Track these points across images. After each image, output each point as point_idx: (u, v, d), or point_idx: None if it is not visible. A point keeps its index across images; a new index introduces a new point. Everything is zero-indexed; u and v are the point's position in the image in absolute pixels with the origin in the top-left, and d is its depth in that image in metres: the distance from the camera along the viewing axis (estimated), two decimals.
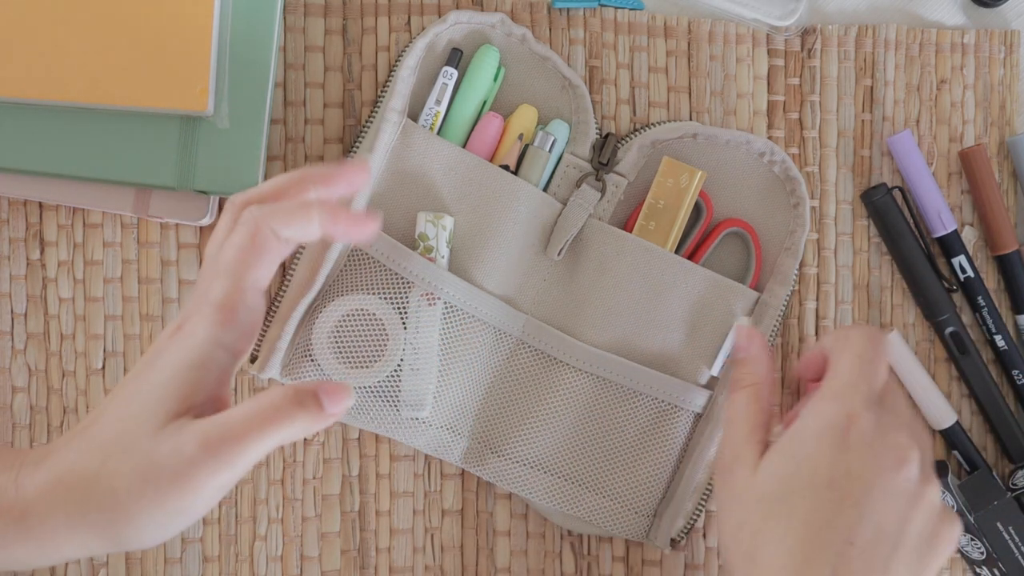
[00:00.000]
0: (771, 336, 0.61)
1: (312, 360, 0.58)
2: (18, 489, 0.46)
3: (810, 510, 0.49)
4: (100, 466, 0.45)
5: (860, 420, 0.50)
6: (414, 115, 0.60)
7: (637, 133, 0.61)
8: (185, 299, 0.61)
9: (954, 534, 0.51)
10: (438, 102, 0.59)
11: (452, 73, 0.59)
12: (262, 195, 0.50)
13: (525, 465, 0.60)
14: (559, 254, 0.60)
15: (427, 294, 0.58)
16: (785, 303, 0.61)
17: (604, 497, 0.60)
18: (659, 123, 0.62)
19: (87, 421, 0.47)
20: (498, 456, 0.60)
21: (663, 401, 0.60)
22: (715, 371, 0.61)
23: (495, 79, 0.60)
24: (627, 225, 0.61)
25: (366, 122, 0.60)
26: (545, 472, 0.60)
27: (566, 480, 0.60)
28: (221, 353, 0.47)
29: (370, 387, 0.59)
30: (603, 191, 0.60)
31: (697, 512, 0.61)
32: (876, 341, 0.53)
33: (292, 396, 0.46)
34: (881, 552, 0.48)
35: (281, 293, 0.59)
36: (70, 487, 0.45)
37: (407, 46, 0.60)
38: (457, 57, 0.60)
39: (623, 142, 0.61)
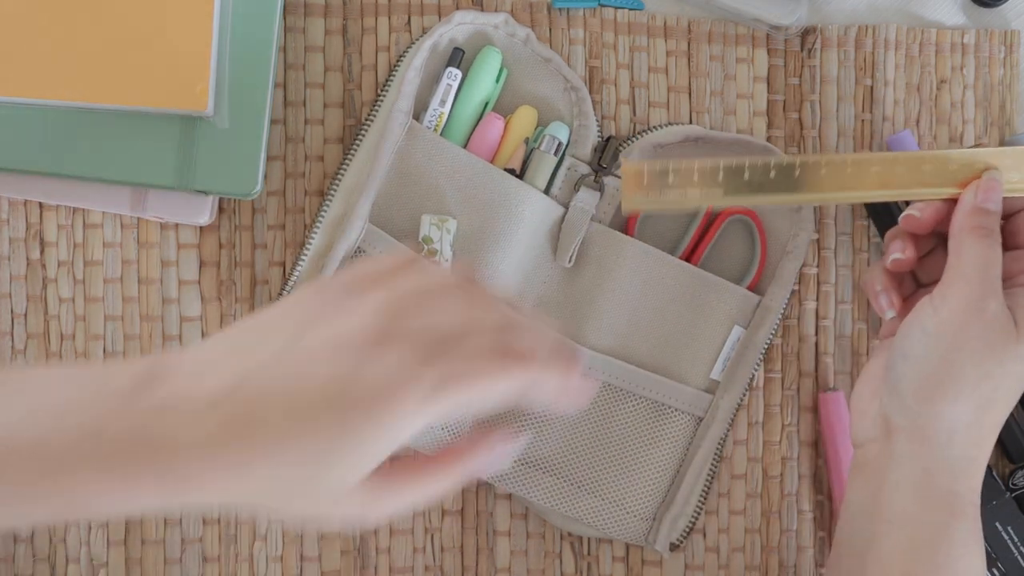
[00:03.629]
0: (770, 337, 0.61)
1: None
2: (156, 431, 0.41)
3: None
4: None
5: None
6: (417, 116, 0.60)
7: (638, 136, 0.61)
8: (185, 297, 0.61)
9: None
10: (442, 103, 0.59)
11: (456, 74, 0.59)
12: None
13: (525, 466, 0.60)
14: (570, 260, 0.60)
15: None
16: (784, 306, 0.61)
17: (603, 500, 0.60)
18: (660, 126, 0.62)
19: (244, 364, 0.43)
20: None
21: (663, 404, 0.60)
22: (715, 374, 0.61)
23: (497, 80, 0.60)
24: (627, 228, 0.61)
25: (365, 121, 0.60)
26: (544, 473, 0.60)
27: (565, 482, 0.60)
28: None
29: None
30: (601, 191, 0.60)
31: (696, 514, 0.61)
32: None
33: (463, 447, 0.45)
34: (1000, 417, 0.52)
35: (283, 295, 0.59)
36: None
37: (410, 46, 0.60)
38: (459, 57, 0.60)
39: (624, 145, 0.61)
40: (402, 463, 0.44)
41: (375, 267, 0.45)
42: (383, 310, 0.43)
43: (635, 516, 0.61)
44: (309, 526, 0.43)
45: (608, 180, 0.60)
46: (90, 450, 0.42)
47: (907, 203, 0.57)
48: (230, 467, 0.42)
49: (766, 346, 0.61)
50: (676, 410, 0.60)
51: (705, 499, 0.61)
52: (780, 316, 0.61)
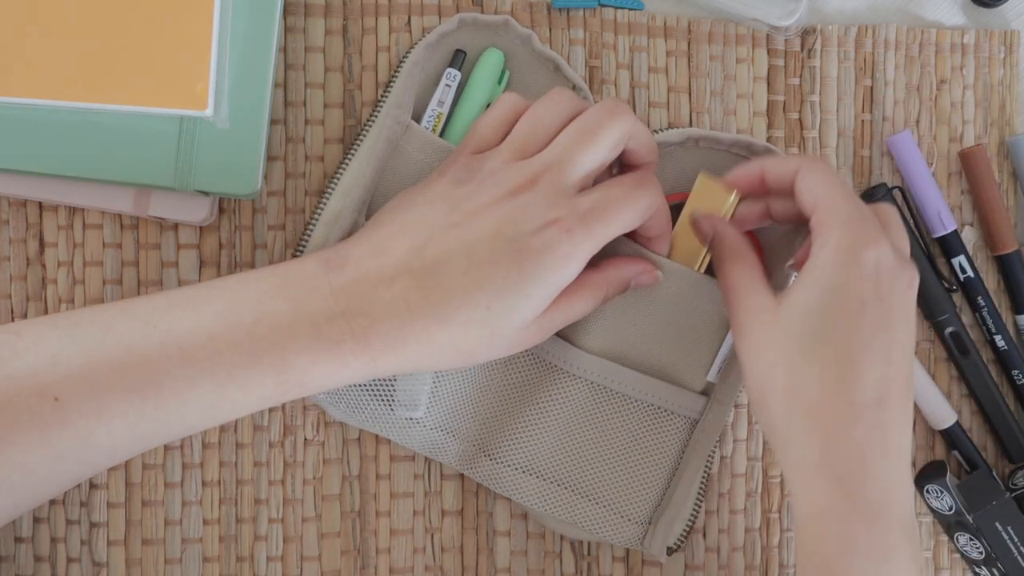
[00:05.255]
0: None
1: None
2: (353, 317, 0.48)
3: (849, 337, 0.50)
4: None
5: (880, 245, 0.51)
6: (416, 116, 0.60)
7: None
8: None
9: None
10: (440, 104, 0.59)
11: (455, 75, 0.59)
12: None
13: (518, 469, 0.60)
14: None
15: None
16: None
17: (598, 504, 0.60)
18: (661, 129, 0.62)
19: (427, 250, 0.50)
20: (491, 460, 0.60)
21: (659, 407, 0.60)
22: (711, 377, 0.61)
23: (499, 82, 0.60)
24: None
25: (366, 122, 0.60)
26: (538, 477, 0.60)
27: (559, 486, 0.60)
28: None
29: (365, 385, 0.59)
30: None
31: (692, 518, 0.61)
32: (830, 171, 0.54)
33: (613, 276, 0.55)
34: (906, 368, 0.51)
35: None
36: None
37: (412, 46, 0.60)
38: (460, 59, 0.60)
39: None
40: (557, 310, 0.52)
41: (487, 124, 0.54)
42: (514, 161, 0.52)
43: (630, 520, 0.60)
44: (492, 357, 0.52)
45: None
46: (298, 326, 0.48)
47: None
48: (422, 330, 0.49)
49: None
50: (671, 413, 0.60)
51: (701, 502, 0.61)
52: None
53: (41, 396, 0.46)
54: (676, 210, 0.60)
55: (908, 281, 0.52)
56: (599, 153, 0.52)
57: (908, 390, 0.51)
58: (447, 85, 0.59)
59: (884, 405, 0.50)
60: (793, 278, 0.57)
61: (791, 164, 0.55)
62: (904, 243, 0.54)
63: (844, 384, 0.50)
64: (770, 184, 0.56)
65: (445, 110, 0.59)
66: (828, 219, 0.52)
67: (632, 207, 0.52)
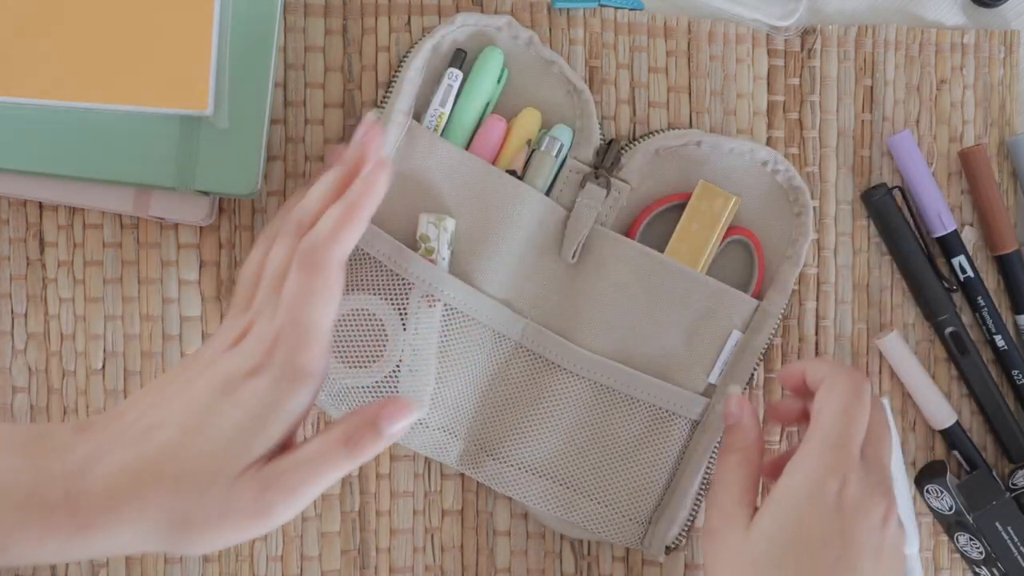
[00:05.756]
0: (768, 341, 0.61)
1: None
2: (74, 480, 0.47)
3: (807, 571, 0.50)
4: (175, 493, 0.47)
5: (850, 482, 0.51)
6: (417, 116, 0.60)
7: (641, 139, 0.61)
8: (185, 297, 0.61)
9: (902, 571, 0.56)
10: (443, 103, 0.59)
11: (457, 75, 0.59)
12: (307, 213, 0.52)
13: (520, 469, 0.60)
14: (573, 256, 0.60)
15: (427, 296, 0.58)
16: (784, 311, 0.61)
17: (598, 503, 0.60)
18: (663, 130, 0.62)
19: (146, 421, 0.48)
20: (494, 459, 0.60)
21: (660, 408, 0.60)
22: (713, 379, 0.61)
23: (499, 81, 0.60)
24: (629, 232, 0.61)
25: None
26: (540, 476, 0.60)
27: (561, 485, 0.60)
28: (301, 410, 0.49)
29: (368, 387, 0.59)
30: (607, 188, 0.60)
31: (691, 518, 0.61)
32: (861, 391, 0.54)
33: (340, 438, 0.48)
34: None
35: None
36: (145, 494, 0.47)
37: (413, 46, 0.60)
38: (461, 58, 0.60)
39: (626, 148, 0.61)
40: (281, 467, 0.49)
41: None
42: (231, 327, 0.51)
43: (630, 520, 0.60)
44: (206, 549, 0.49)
45: (612, 181, 0.60)
46: (14, 500, 0.46)
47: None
48: (130, 512, 0.47)
49: (764, 350, 0.61)
50: (672, 414, 0.60)
51: (701, 502, 0.61)
52: (779, 320, 0.61)
53: None
54: (678, 210, 0.60)
55: (882, 516, 0.52)
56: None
57: None
58: (449, 85, 0.59)
59: None
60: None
61: (823, 370, 0.55)
62: (884, 474, 0.54)
63: None
64: (810, 386, 0.56)
65: (447, 110, 0.59)
66: (809, 441, 0.53)
67: (329, 479, 0.49)
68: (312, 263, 0.49)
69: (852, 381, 0.54)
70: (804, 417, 0.58)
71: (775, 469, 0.55)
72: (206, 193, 0.58)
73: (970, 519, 0.61)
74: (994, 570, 0.62)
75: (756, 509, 0.53)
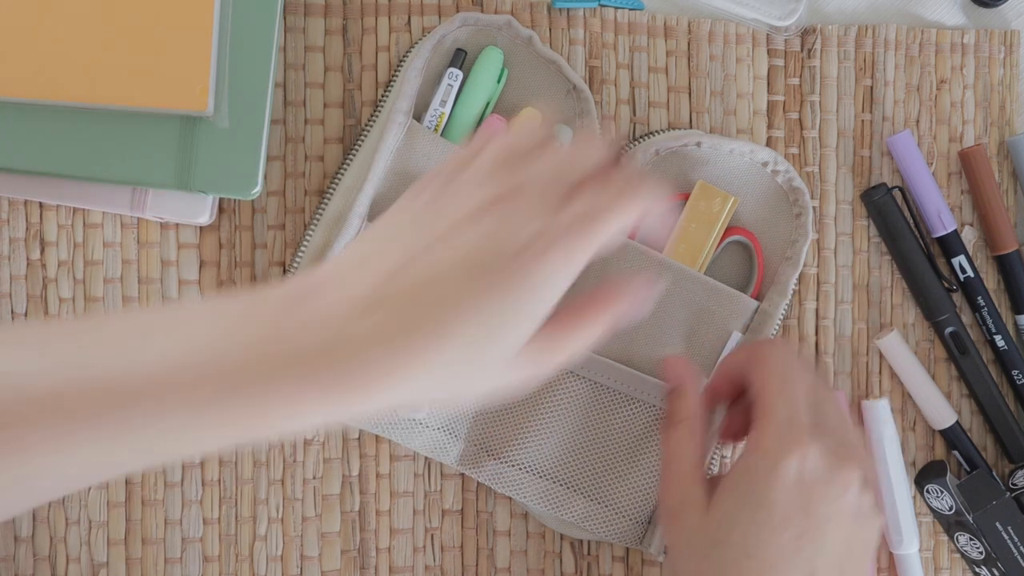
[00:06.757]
0: None
1: None
2: (335, 331, 0.41)
3: (771, 550, 0.50)
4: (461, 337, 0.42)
5: (808, 456, 0.51)
6: (418, 116, 0.60)
7: (640, 140, 0.61)
8: (185, 297, 0.61)
9: (878, 530, 0.53)
10: (443, 103, 0.59)
11: (457, 75, 0.59)
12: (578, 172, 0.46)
13: (521, 469, 0.60)
14: None
15: None
16: (784, 312, 0.61)
17: (599, 503, 0.60)
18: (663, 130, 0.62)
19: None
20: (494, 459, 0.60)
21: (660, 408, 0.60)
22: None
23: (499, 80, 0.60)
24: (630, 231, 0.61)
25: (368, 122, 0.60)
26: (540, 476, 0.60)
27: (561, 485, 0.60)
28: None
29: None
30: None
31: None
32: (789, 358, 0.53)
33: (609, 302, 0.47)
34: (835, 571, 0.51)
35: None
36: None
37: (413, 46, 0.60)
38: (461, 58, 0.60)
39: (626, 148, 0.61)
40: (553, 319, 0.45)
41: (467, 148, 0.47)
42: (494, 173, 0.45)
43: (630, 520, 0.60)
44: (484, 400, 0.45)
45: None
46: (270, 361, 0.41)
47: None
48: (401, 363, 0.41)
49: None
50: None
51: None
52: (779, 321, 0.61)
53: None
54: (678, 211, 0.60)
55: (843, 485, 0.51)
56: (592, 157, 0.46)
57: None
58: (450, 85, 0.59)
59: None
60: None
61: (741, 357, 0.55)
62: (845, 435, 0.53)
63: None
64: (734, 381, 0.56)
65: (447, 109, 0.59)
66: (760, 419, 0.52)
67: (625, 211, 0.45)
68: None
69: (777, 349, 0.54)
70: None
71: (733, 431, 0.55)
72: (206, 193, 0.58)
73: (970, 519, 0.61)
74: (994, 570, 0.62)
75: (708, 482, 0.53)
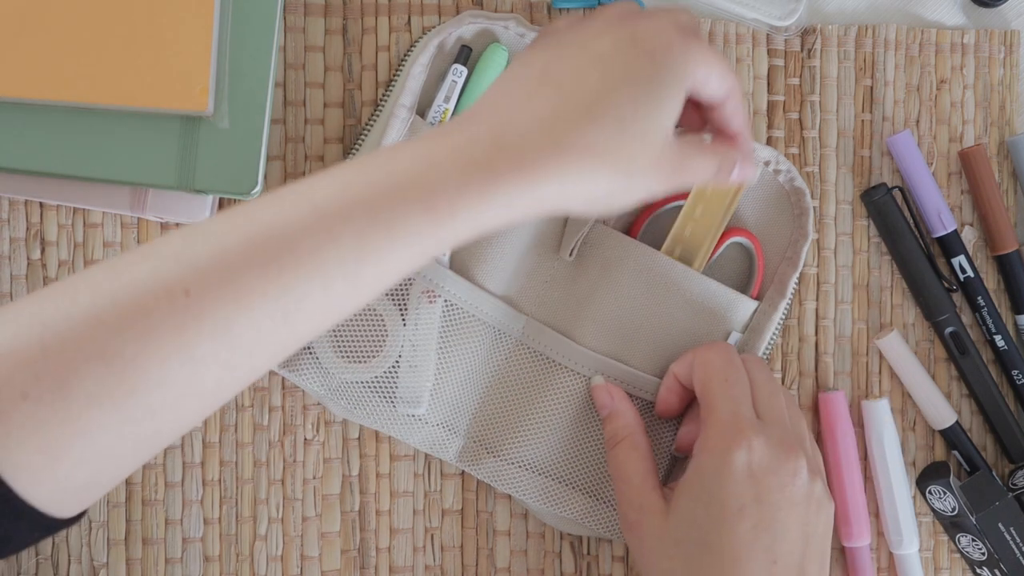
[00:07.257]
0: (770, 343, 0.61)
1: (311, 353, 0.59)
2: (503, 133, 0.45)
3: (731, 541, 0.52)
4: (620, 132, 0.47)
5: (755, 448, 0.53)
6: (421, 112, 0.60)
7: None
8: None
9: (831, 516, 0.56)
10: (447, 99, 0.59)
11: (462, 71, 0.59)
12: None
13: (520, 466, 0.60)
14: (571, 254, 0.60)
15: (427, 292, 0.58)
16: (784, 312, 0.61)
17: (598, 500, 0.60)
18: None
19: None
20: (493, 456, 0.60)
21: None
22: None
23: None
24: (631, 231, 0.61)
25: (368, 121, 0.60)
26: (540, 474, 0.60)
27: (560, 482, 0.60)
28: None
29: (367, 382, 0.59)
30: None
31: None
32: (729, 356, 0.56)
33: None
34: (796, 558, 0.53)
35: None
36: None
37: (414, 44, 0.60)
38: (466, 54, 0.60)
39: None
40: (689, 143, 0.50)
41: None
42: (617, 14, 0.49)
43: None
44: (635, 203, 0.48)
45: None
46: (442, 157, 0.44)
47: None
48: (564, 144, 0.45)
49: (766, 351, 0.61)
50: None
51: None
52: (779, 323, 0.61)
53: (170, 293, 0.40)
54: (679, 211, 0.60)
55: (791, 473, 0.53)
56: (721, 63, 0.50)
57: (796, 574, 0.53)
58: (454, 81, 0.59)
59: None
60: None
61: (684, 365, 0.57)
62: (789, 426, 0.55)
63: None
64: (683, 390, 0.59)
65: (452, 106, 0.59)
66: (706, 420, 0.54)
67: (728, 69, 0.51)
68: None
69: (717, 352, 0.56)
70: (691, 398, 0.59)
71: (692, 440, 0.57)
72: (206, 193, 0.58)
73: (973, 520, 0.61)
74: (996, 571, 0.62)
75: (663, 488, 0.55)
